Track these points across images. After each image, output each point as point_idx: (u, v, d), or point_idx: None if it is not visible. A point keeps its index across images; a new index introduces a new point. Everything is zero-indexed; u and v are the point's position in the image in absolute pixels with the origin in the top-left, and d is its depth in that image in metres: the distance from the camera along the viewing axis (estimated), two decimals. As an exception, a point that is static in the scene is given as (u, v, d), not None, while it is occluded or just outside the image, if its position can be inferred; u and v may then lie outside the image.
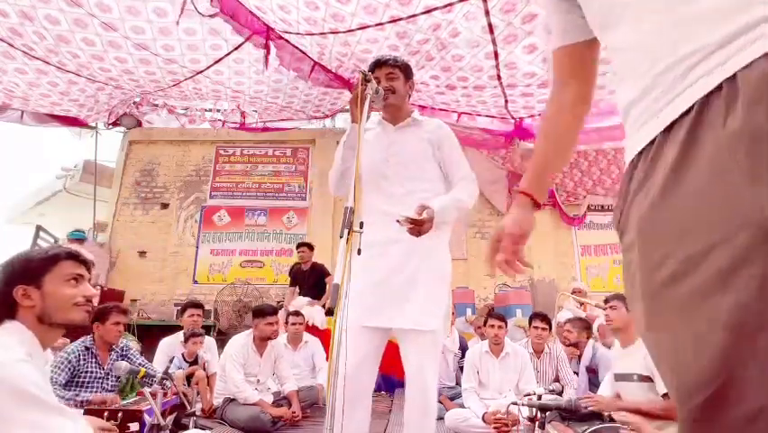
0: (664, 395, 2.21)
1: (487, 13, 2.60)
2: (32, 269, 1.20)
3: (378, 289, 1.73)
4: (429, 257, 1.82)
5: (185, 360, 3.54)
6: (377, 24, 2.77)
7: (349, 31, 2.87)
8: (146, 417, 2.07)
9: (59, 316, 1.21)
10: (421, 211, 1.64)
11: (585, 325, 4.11)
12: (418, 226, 1.63)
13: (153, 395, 2.01)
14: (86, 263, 1.31)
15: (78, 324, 1.27)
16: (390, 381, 4.33)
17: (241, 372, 3.30)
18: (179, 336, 3.68)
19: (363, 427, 1.74)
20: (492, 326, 3.38)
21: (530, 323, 3.78)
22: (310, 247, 5.39)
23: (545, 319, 3.67)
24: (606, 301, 2.65)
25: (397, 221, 1.63)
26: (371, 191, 1.87)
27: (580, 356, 3.89)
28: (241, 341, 3.44)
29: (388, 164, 1.84)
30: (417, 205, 1.67)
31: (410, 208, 1.73)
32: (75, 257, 1.27)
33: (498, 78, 3.25)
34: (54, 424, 1.03)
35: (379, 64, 1.90)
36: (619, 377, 2.54)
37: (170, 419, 2.21)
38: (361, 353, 1.69)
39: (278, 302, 6.10)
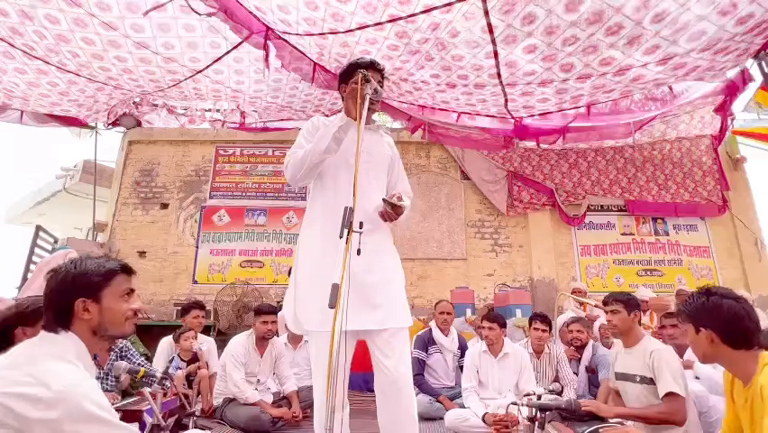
0: (665, 396, 2.20)
1: (486, 13, 2.59)
2: (92, 283, 1.22)
3: (355, 292, 1.70)
4: (395, 257, 1.95)
5: (181, 359, 3.54)
6: (376, 24, 2.77)
7: (348, 31, 2.86)
8: (146, 417, 2.07)
9: (114, 329, 1.25)
10: (400, 199, 1.80)
11: (587, 324, 4.12)
12: (395, 212, 1.79)
13: (153, 396, 2.00)
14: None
15: (128, 336, 1.30)
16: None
17: (241, 371, 3.30)
18: (179, 336, 3.68)
19: (347, 429, 1.80)
20: (483, 327, 3.39)
21: (530, 324, 3.78)
22: None
23: (546, 321, 3.66)
24: (605, 303, 2.62)
25: (384, 199, 1.75)
26: (332, 188, 1.89)
27: (579, 357, 3.89)
28: (242, 340, 3.44)
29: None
30: (394, 193, 1.83)
31: (373, 205, 1.84)
32: (129, 271, 1.31)
33: (499, 76, 3.25)
34: None
35: (375, 67, 1.93)
36: (621, 376, 2.53)
37: (171, 420, 2.21)
38: (344, 357, 1.71)
39: (278, 302, 6.10)
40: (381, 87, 1.95)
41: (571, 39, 2.69)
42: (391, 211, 1.79)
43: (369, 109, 1.79)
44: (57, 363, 1.08)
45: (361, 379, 4.28)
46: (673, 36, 2.63)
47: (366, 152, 1.88)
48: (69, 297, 1.19)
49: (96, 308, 1.21)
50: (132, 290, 1.30)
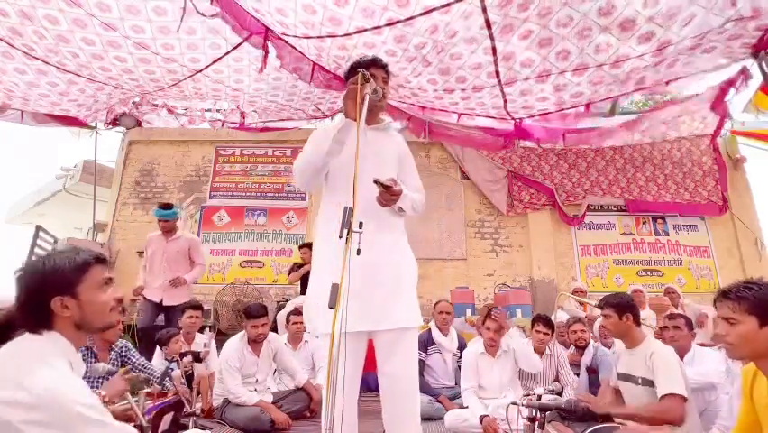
0: (663, 397, 2.20)
1: (484, 10, 2.58)
2: (66, 279, 1.17)
3: (359, 292, 1.68)
4: (404, 255, 1.90)
5: (167, 360, 3.52)
6: (374, 28, 2.76)
7: (346, 35, 2.86)
8: (146, 416, 2.07)
9: (99, 322, 1.21)
10: (395, 183, 1.75)
11: (588, 324, 4.12)
12: (389, 193, 1.74)
13: (151, 395, 2.00)
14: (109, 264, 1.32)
15: (114, 326, 1.28)
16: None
17: (237, 377, 3.27)
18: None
19: (354, 429, 1.79)
20: (488, 328, 3.37)
21: (533, 325, 3.77)
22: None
23: (548, 324, 3.65)
24: (600, 308, 2.63)
25: (375, 181, 1.69)
26: (342, 189, 1.82)
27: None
28: (235, 344, 3.42)
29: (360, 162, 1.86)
30: (390, 178, 1.78)
31: (377, 209, 1.80)
32: (103, 261, 1.26)
33: (497, 74, 3.24)
34: None
35: (377, 64, 1.92)
36: (622, 376, 2.54)
37: (168, 417, 2.20)
38: (349, 359, 1.68)
39: (278, 302, 6.10)
40: (387, 83, 1.94)
41: (565, 19, 2.67)
42: (385, 192, 1.73)
43: (369, 109, 1.78)
44: (36, 365, 1.04)
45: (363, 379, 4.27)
46: (666, 22, 2.61)
47: (374, 153, 1.85)
48: (45, 296, 1.14)
49: (75, 304, 1.16)
50: (111, 279, 1.26)
